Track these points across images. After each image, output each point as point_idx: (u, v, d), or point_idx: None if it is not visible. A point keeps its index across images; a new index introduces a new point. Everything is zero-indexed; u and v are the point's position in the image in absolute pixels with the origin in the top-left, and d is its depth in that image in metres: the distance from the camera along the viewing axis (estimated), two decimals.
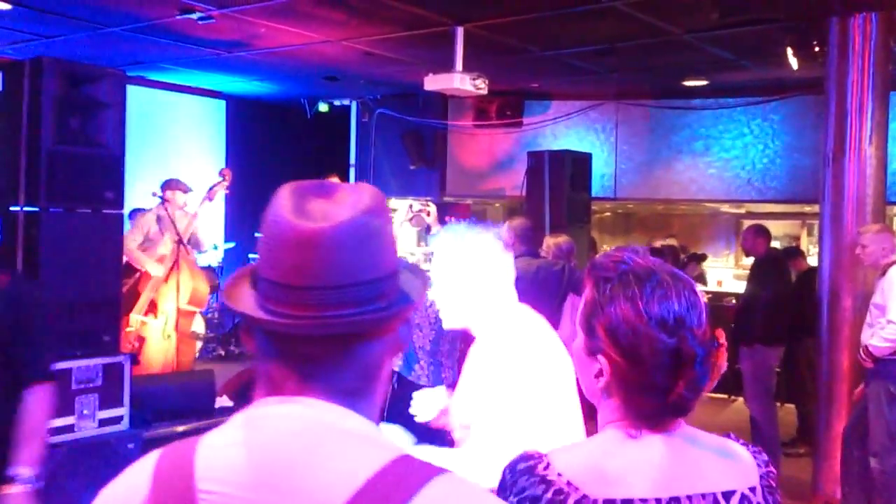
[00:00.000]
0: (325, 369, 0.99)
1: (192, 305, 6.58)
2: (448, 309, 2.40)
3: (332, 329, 0.97)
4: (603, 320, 1.31)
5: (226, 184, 6.88)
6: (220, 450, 0.98)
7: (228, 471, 0.95)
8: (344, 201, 1.01)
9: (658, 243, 10.35)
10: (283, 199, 1.01)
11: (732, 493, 1.32)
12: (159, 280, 6.46)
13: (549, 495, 1.25)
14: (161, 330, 6.45)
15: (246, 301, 1.01)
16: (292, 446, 0.95)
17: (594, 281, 1.35)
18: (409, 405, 2.73)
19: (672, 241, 10.58)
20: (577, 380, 1.47)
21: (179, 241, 6.46)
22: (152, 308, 6.48)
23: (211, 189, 6.83)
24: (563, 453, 1.33)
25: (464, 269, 2.33)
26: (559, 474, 1.27)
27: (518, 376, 2.20)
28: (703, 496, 1.29)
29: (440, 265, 2.39)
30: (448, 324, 2.44)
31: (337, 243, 0.96)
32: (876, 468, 4.88)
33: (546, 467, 1.28)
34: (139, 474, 1.00)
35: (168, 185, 6.85)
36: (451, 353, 5.14)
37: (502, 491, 1.30)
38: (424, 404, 2.69)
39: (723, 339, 1.31)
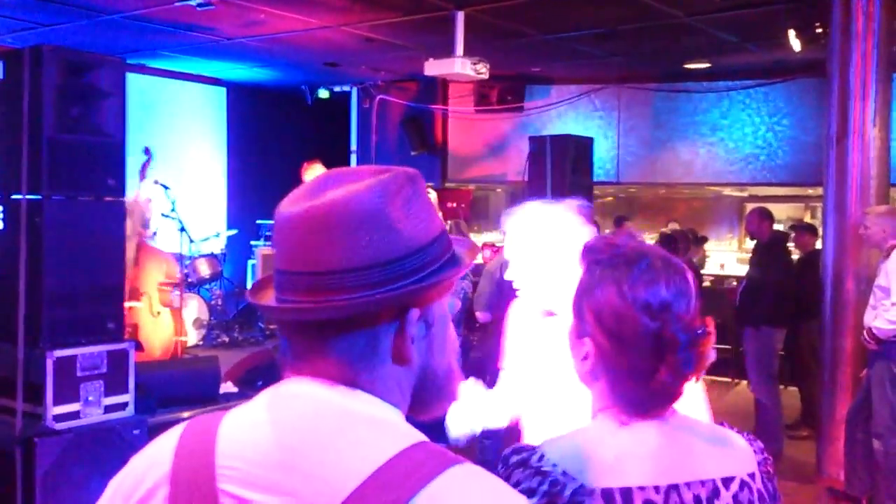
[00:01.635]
0: (310, 355, 0.98)
1: (168, 280, 6.85)
2: (532, 287, 2.38)
3: (292, 316, 0.98)
4: (590, 302, 1.31)
5: (150, 161, 6.94)
6: (241, 427, 0.99)
7: (248, 448, 0.96)
8: (345, 184, 0.99)
9: (670, 226, 10.35)
10: (298, 188, 1.02)
11: (731, 479, 1.31)
12: (129, 266, 6.52)
13: (544, 487, 1.24)
14: (148, 310, 6.55)
15: (268, 294, 1.03)
16: (311, 428, 0.95)
17: (586, 264, 1.36)
18: None
19: (675, 226, 10.56)
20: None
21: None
22: (133, 295, 6.55)
23: (142, 169, 6.89)
24: (556, 443, 1.32)
25: (548, 245, 2.31)
26: (554, 465, 1.26)
27: None
28: (703, 483, 1.29)
29: (519, 244, 2.37)
30: (532, 303, 2.41)
31: (306, 227, 0.96)
32: (879, 450, 4.89)
33: (540, 458, 1.28)
34: (163, 447, 1.02)
35: None
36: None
37: None
38: (467, 416, 2.55)
39: (711, 328, 1.29)
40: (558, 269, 2.28)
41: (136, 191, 6.85)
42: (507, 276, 2.43)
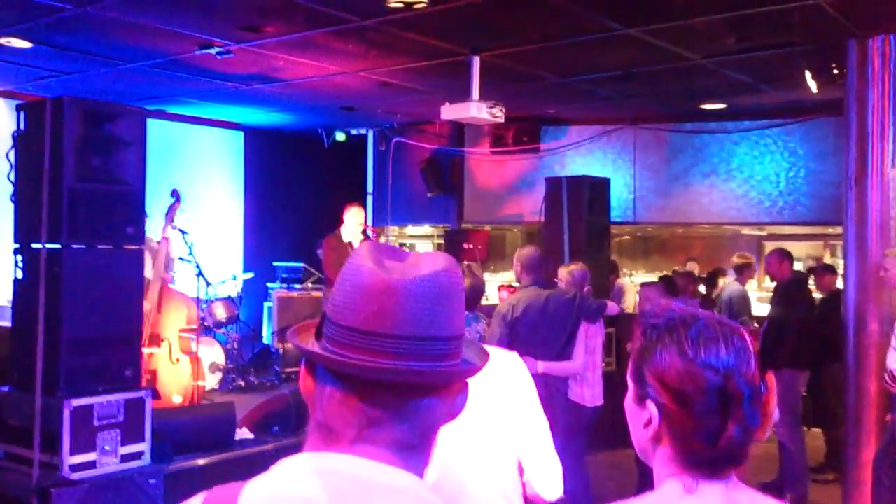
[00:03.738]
0: (388, 419, 1.00)
1: (189, 325, 6.80)
2: None
3: (405, 377, 0.99)
4: (651, 366, 1.32)
5: (179, 204, 6.94)
6: (261, 502, 0.98)
7: None
8: (419, 262, 1.04)
9: (689, 265, 10.28)
10: (364, 252, 1.05)
11: None
12: (152, 312, 6.52)
13: None
14: (167, 356, 6.54)
15: (309, 342, 1.05)
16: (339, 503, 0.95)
17: (642, 329, 1.37)
18: None
19: (693, 265, 10.48)
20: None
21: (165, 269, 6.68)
22: (154, 340, 6.56)
23: (169, 212, 6.89)
24: None
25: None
26: None
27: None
28: None
29: None
30: None
31: (417, 295, 0.99)
32: None
33: None
34: None
35: None
36: None
37: None
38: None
39: (772, 384, 1.31)
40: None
41: (162, 234, 6.89)
42: None
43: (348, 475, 0.97)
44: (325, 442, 1.00)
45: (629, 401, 1.38)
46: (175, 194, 6.87)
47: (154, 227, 6.71)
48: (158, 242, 6.89)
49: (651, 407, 1.31)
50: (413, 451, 1.01)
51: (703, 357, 1.28)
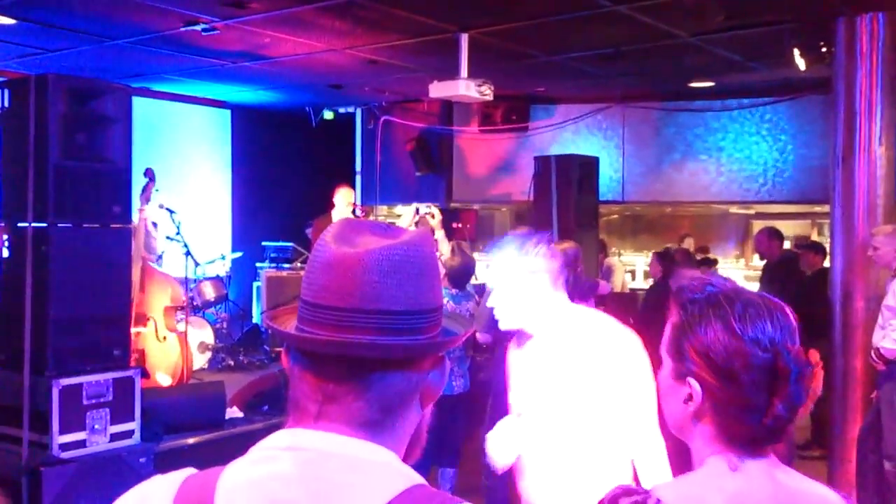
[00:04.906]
0: (344, 395, 0.98)
1: (174, 304, 6.81)
2: (507, 311, 2.58)
3: (347, 350, 0.97)
4: (693, 341, 1.28)
5: (153, 184, 6.87)
6: (238, 485, 0.98)
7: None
8: (389, 236, 1.02)
9: (686, 241, 10.31)
10: (334, 228, 1.03)
11: None
12: (135, 292, 6.50)
13: None
14: (154, 335, 6.53)
15: (288, 323, 1.05)
16: (306, 481, 0.94)
17: (681, 304, 1.33)
18: None
19: (690, 241, 10.51)
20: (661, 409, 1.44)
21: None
22: (140, 320, 6.54)
23: (144, 192, 6.82)
24: (671, 489, 1.29)
25: (521, 273, 2.53)
26: None
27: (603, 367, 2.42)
28: None
29: (498, 271, 2.59)
30: (505, 324, 2.61)
31: (363, 268, 0.97)
32: (890, 471, 4.84)
33: (657, 503, 1.25)
34: (159, 495, 1.00)
35: None
36: (461, 360, 5.12)
37: None
38: (505, 443, 2.63)
39: (817, 360, 1.28)
40: (529, 295, 2.53)
41: (138, 214, 6.82)
42: (488, 304, 2.63)
43: (314, 450, 0.97)
44: (295, 419, 1.00)
45: (665, 376, 1.35)
46: (149, 174, 6.78)
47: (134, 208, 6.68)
48: (136, 223, 6.84)
49: (693, 383, 1.28)
50: (377, 427, 0.99)
51: (751, 333, 1.25)
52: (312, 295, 0.99)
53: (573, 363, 2.47)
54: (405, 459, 1.05)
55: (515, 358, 2.71)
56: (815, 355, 1.28)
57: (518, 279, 2.53)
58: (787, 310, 1.31)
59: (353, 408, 0.98)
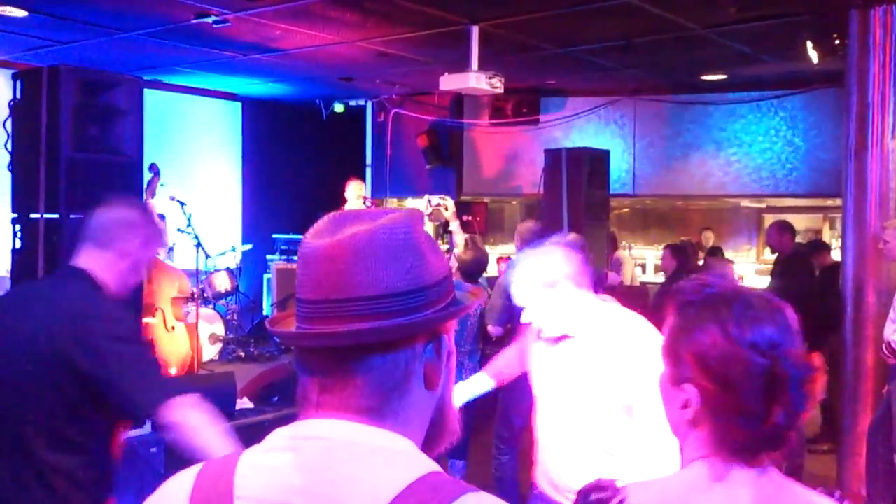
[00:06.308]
0: (336, 384, 0.99)
1: (181, 293, 6.90)
2: (536, 309, 2.60)
3: (322, 342, 0.98)
4: (690, 346, 1.23)
5: (158, 178, 6.90)
6: (259, 471, 0.99)
7: (267, 494, 0.97)
8: (366, 222, 1.01)
9: (704, 235, 10.30)
10: (317, 223, 1.04)
11: None
12: (143, 283, 6.54)
13: None
14: (162, 325, 6.57)
15: (288, 324, 1.06)
16: (330, 467, 0.95)
17: (677, 306, 1.28)
18: None
19: (709, 234, 10.48)
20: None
21: None
22: (147, 311, 6.58)
23: (149, 187, 6.84)
24: (643, 489, 1.25)
25: (544, 288, 2.54)
26: None
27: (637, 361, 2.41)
28: None
29: (525, 271, 2.61)
30: (550, 333, 2.64)
31: (328, 258, 0.98)
32: None
33: (621, 503, 1.22)
34: (178, 489, 1.02)
35: None
36: (472, 353, 5.13)
37: None
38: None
39: (819, 363, 1.22)
40: (559, 305, 2.54)
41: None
42: (517, 302, 2.63)
43: (315, 437, 0.98)
44: (301, 411, 1.02)
45: (663, 381, 1.29)
46: (154, 169, 6.82)
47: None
48: None
49: (689, 389, 1.23)
50: (377, 413, 0.99)
51: (750, 337, 1.19)
52: (297, 291, 1.03)
53: (605, 359, 2.50)
54: (432, 445, 1.05)
55: (540, 351, 2.72)
56: (817, 359, 1.23)
57: (543, 294, 2.54)
58: (790, 311, 1.26)
59: (345, 397, 0.99)
